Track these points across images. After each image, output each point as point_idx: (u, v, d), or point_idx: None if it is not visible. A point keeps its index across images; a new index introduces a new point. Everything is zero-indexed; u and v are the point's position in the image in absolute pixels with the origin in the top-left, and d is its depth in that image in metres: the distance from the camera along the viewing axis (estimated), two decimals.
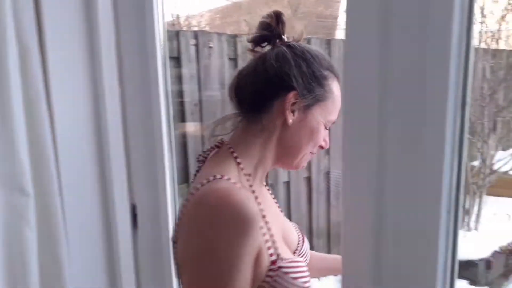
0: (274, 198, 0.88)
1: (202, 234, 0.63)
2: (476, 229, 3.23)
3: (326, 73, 0.74)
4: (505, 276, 3.16)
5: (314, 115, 0.73)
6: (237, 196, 0.63)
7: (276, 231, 0.72)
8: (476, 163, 3.52)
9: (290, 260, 0.69)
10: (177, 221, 0.71)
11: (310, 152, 0.77)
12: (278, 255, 0.68)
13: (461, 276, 3.05)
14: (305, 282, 0.68)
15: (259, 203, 0.69)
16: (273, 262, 0.67)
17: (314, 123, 0.73)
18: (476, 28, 3.14)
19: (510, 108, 3.32)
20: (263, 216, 0.69)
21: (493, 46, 3.22)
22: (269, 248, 0.67)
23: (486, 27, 3.09)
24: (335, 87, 0.75)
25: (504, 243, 3.12)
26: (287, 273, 0.67)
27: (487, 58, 3.53)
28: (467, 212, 3.17)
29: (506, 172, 3.22)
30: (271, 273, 0.66)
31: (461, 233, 3.08)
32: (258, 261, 0.65)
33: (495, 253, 3.03)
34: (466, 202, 3.18)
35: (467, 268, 2.99)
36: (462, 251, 3.04)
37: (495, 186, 3.43)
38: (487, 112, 3.24)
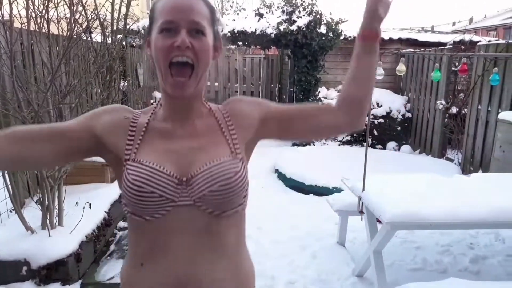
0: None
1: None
2: (60, 224, 3.04)
3: (154, 5, 0.90)
4: (96, 262, 3.18)
5: (151, 37, 0.89)
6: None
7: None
8: None
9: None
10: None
11: (169, 68, 0.85)
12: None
13: (53, 280, 2.80)
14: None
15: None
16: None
17: (152, 42, 0.87)
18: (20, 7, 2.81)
19: (72, 94, 3.28)
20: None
21: (46, 29, 3.02)
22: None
23: (33, 6, 2.82)
24: (158, 3, 0.89)
25: (89, 230, 3.12)
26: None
27: (42, 42, 3.31)
28: (47, 209, 2.92)
29: None
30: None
31: (44, 233, 2.78)
32: None
33: (82, 243, 2.96)
34: (45, 198, 2.91)
35: (57, 269, 2.77)
36: (50, 252, 2.78)
37: (73, 175, 3.36)
38: (51, 100, 3.04)
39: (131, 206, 0.85)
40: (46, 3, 2.87)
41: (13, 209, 3.00)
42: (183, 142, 0.90)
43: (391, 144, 7.14)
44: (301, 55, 7.05)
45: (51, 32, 3.07)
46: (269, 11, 7.17)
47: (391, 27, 9.68)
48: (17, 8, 2.77)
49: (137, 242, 0.91)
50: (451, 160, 6.04)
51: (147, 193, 0.83)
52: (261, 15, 7.12)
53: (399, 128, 7.20)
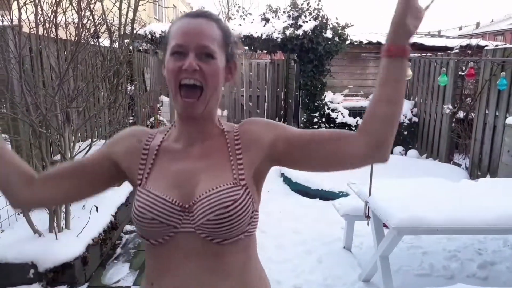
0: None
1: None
2: (68, 227, 3.05)
3: (170, 27, 0.94)
4: (102, 265, 3.19)
5: (165, 58, 0.93)
6: None
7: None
8: (58, 157, 3.32)
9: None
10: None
11: (179, 89, 0.89)
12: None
13: (60, 283, 2.81)
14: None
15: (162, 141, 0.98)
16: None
17: (166, 63, 0.92)
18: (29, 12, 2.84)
19: (80, 98, 3.30)
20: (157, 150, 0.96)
21: (55, 33, 3.05)
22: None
23: (42, 11, 2.85)
24: (173, 26, 0.93)
25: (96, 234, 3.13)
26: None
27: (51, 46, 3.35)
28: (55, 212, 2.93)
29: None
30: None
31: (51, 236, 2.79)
32: None
33: (89, 246, 2.97)
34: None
35: (64, 272, 2.78)
36: (57, 255, 2.80)
37: None
38: (59, 104, 3.07)
39: (138, 230, 0.91)
40: (55, 8, 2.90)
41: (21, 212, 3.02)
42: (192, 163, 0.93)
43: (398, 149, 7.11)
44: (307, 59, 7.05)
45: (59, 37, 3.10)
46: (275, 16, 7.19)
47: None
48: (26, 13, 2.81)
49: (148, 263, 0.96)
50: (459, 165, 5.99)
51: (148, 219, 0.86)
52: (267, 20, 7.14)
53: (405, 133, 7.16)
